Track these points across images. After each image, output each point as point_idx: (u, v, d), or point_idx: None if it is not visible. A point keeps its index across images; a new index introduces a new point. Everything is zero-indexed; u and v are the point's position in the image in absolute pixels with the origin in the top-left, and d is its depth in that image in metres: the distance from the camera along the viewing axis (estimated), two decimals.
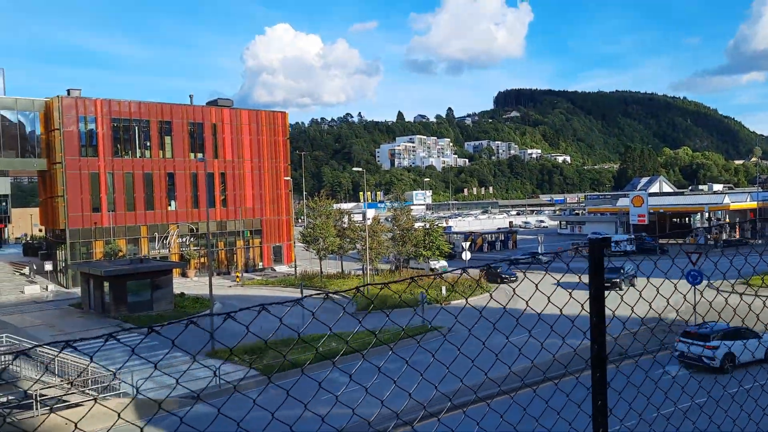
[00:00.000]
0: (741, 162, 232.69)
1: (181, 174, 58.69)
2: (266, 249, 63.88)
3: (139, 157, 56.97)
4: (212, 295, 29.51)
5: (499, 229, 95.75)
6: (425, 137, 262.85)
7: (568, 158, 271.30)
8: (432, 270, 51.88)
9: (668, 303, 3.74)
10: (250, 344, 24.59)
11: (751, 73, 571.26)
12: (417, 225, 55.15)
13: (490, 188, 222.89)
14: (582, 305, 2.38)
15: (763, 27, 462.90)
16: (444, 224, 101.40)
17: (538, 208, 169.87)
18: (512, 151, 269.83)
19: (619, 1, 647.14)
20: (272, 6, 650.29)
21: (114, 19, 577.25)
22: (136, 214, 56.21)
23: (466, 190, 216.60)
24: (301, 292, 31.75)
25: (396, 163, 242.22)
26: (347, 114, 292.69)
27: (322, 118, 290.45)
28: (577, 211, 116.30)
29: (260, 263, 63.18)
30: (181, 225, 58.42)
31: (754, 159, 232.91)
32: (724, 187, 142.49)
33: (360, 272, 51.61)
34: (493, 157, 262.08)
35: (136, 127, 56.73)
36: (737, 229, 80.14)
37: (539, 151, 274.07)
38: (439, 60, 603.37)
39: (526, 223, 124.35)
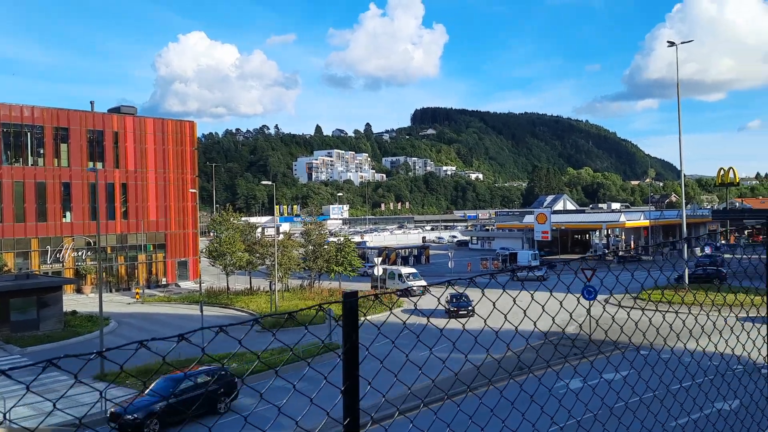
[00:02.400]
0: (637, 182, 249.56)
1: (78, 184, 55.24)
2: (170, 264, 61.16)
3: (31, 165, 53.15)
4: (102, 313, 27.69)
5: (455, 237, 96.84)
6: (343, 152, 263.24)
7: (480, 176, 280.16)
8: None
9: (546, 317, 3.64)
10: (142, 366, 23.18)
11: (645, 100, 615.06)
12: (330, 240, 54.74)
13: (407, 203, 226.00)
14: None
15: (655, 59, 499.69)
16: (359, 239, 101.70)
17: (452, 224, 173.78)
18: (428, 168, 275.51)
19: (528, 29, 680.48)
20: (186, 14, 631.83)
21: (12, 20, 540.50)
22: (26, 225, 52.28)
23: (383, 205, 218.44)
24: (201, 311, 30.42)
25: (313, 176, 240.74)
26: (264, 126, 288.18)
27: (237, 129, 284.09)
28: (487, 227, 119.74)
29: (164, 279, 60.37)
30: (77, 238, 54.91)
31: (648, 180, 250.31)
32: (621, 205, 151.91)
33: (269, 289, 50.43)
34: (410, 173, 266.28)
35: (29, 134, 52.96)
36: (632, 246, 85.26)
37: (454, 168, 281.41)
38: (358, 76, 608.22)
39: (439, 238, 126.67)
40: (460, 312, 35.98)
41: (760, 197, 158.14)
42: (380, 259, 54.53)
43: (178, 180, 62.13)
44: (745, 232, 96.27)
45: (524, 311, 3.14)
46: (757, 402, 4.19)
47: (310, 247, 50.95)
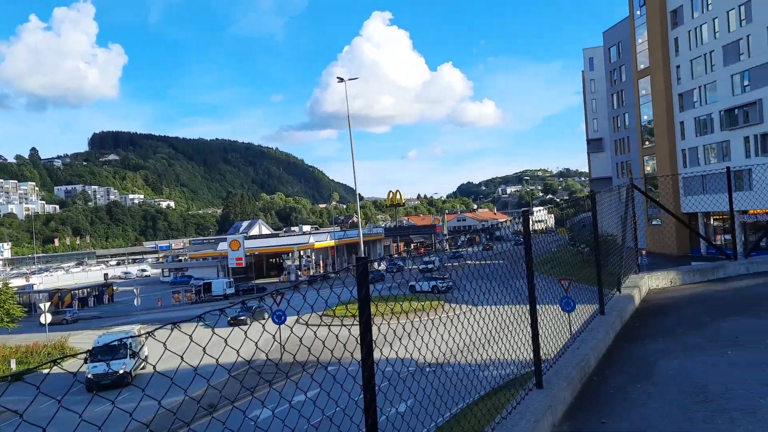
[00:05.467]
0: (324, 205, 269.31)
1: None
2: None
3: None
4: None
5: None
6: (3, 180, 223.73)
7: (172, 203, 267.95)
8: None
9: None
10: None
11: (326, 130, 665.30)
12: None
13: (87, 237, 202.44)
14: None
15: (331, 93, 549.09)
16: (24, 281, 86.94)
17: (141, 257, 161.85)
18: (112, 197, 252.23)
19: (214, 57, 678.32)
20: None
21: None
22: None
23: (57, 240, 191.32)
24: None
25: None
26: None
27: None
28: (180, 257, 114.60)
29: None
30: None
31: (334, 203, 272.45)
32: (311, 227, 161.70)
33: None
34: (90, 203, 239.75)
35: None
36: (322, 265, 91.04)
37: (142, 196, 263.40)
38: (18, 94, 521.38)
39: (126, 273, 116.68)
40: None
41: (421, 215, 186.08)
42: (48, 304, 46.95)
43: None
44: (411, 245, 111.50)
45: (203, 349, 2.58)
46: (421, 401, 4.32)
47: None
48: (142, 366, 31.86)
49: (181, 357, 2.56)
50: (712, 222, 58.62)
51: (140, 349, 32.13)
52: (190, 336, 2.66)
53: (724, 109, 55.59)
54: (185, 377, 2.85)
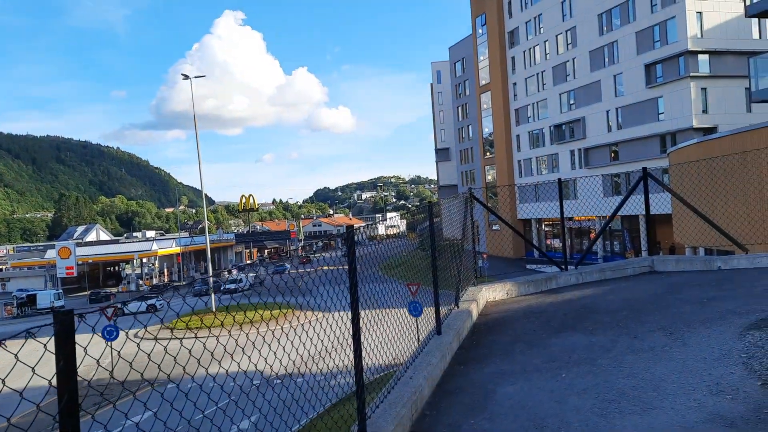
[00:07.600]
0: (172, 210, 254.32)
1: None
2: None
3: None
4: None
5: None
6: None
7: None
8: None
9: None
10: None
11: (174, 130, 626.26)
12: None
13: None
14: None
15: (178, 91, 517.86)
16: None
17: None
18: None
19: (47, 47, 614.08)
20: None
21: None
22: None
23: None
24: None
25: None
26: None
27: None
28: (0, 266, 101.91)
29: None
30: None
31: (182, 207, 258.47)
32: (156, 233, 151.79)
33: None
34: None
35: None
36: (166, 274, 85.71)
37: None
38: None
39: None
40: None
41: (276, 220, 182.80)
42: None
43: None
44: (266, 252, 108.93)
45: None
46: (266, 415, 3.98)
47: None
48: None
49: None
50: (543, 227, 63.97)
51: None
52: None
53: (554, 124, 60.99)
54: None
